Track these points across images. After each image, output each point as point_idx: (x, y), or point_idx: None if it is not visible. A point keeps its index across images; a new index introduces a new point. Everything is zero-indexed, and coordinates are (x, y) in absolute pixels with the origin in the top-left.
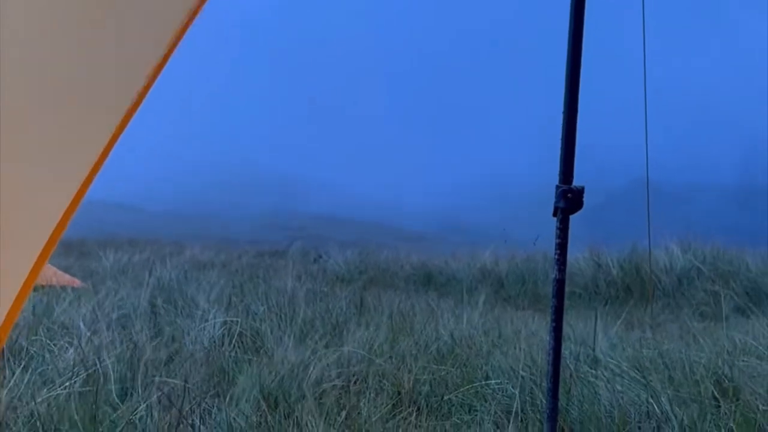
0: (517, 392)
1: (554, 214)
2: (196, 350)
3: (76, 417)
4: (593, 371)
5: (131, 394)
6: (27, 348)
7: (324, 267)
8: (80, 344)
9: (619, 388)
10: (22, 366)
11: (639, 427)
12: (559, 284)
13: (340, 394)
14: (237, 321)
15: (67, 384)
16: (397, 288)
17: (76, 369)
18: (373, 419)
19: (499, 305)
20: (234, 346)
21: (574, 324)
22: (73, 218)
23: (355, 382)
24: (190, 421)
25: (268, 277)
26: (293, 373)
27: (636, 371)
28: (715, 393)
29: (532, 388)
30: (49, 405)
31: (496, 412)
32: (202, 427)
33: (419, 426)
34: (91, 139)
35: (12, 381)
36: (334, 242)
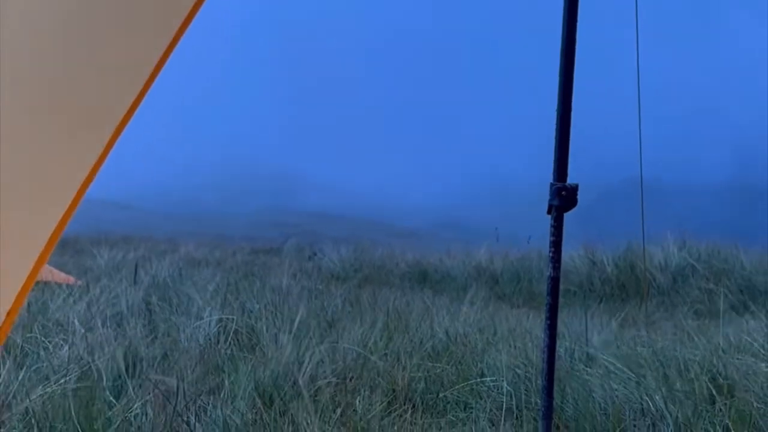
0: (512, 390)
1: (549, 212)
2: (191, 347)
3: (71, 414)
4: (588, 369)
5: (126, 392)
6: (22, 345)
7: (319, 264)
8: (75, 341)
9: (613, 385)
10: (17, 363)
11: (634, 425)
12: (554, 282)
13: (335, 391)
14: (232, 318)
15: (62, 381)
16: (392, 285)
17: (70, 366)
18: (369, 417)
19: (494, 303)
20: (229, 343)
21: (568, 321)
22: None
23: (350, 380)
24: (185, 419)
25: (262, 275)
26: (288, 370)
27: (630, 369)
28: (710, 390)
29: (526, 385)
30: (44, 402)
31: (491, 410)
32: (197, 424)
33: (414, 423)
34: (90, 140)
35: (7, 378)
36: (329, 239)
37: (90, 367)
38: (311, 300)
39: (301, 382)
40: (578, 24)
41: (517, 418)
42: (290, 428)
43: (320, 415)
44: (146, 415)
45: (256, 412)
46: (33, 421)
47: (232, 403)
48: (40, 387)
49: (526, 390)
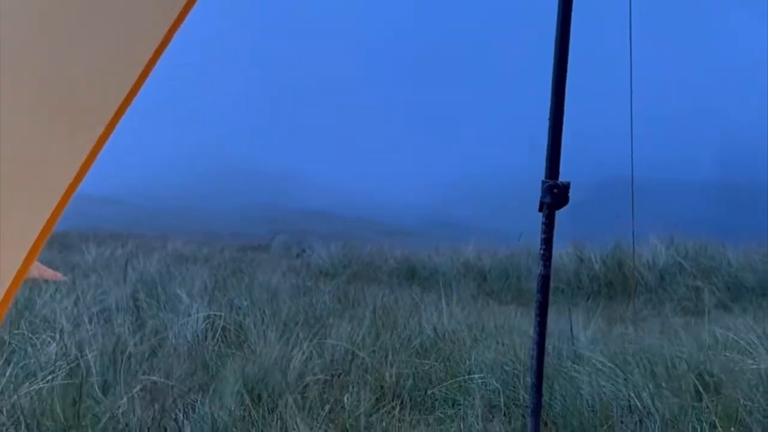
0: (500, 387)
1: (540, 210)
2: (179, 344)
3: (58, 410)
4: (576, 366)
5: (114, 388)
6: (9, 341)
7: (308, 261)
8: (62, 338)
9: (601, 382)
10: (4, 359)
11: (621, 422)
12: (544, 279)
13: (323, 388)
14: (220, 315)
15: (50, 378)
16: (380, 282)
17: (58, 363)
18: (357, 413)
19: (482, 300)
20: (217, 340)
21: (556, 319)
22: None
23: (338, 376)
24: (173, 416)
25: (251, 272)
26: (276, 367)
27: (618, 366)
28: (697, 387)
29: (514, 382)
30: (31, 398)
31: (479, 407)
32: (185, 421)
33: (402, 420)
34: (81, 137)
35: None
36: (318, 237)
37: (77, 363)
38: (299, 297)
39: (289, 378)
40: (578, 23)
41: (505, 414)
42: (278, 425)
43: (308, 412)
44: (134, 412)
45: (244, 409)
46: (20, 417)
47: (220, 400)
48: (28, 384)
49: (514, 387)
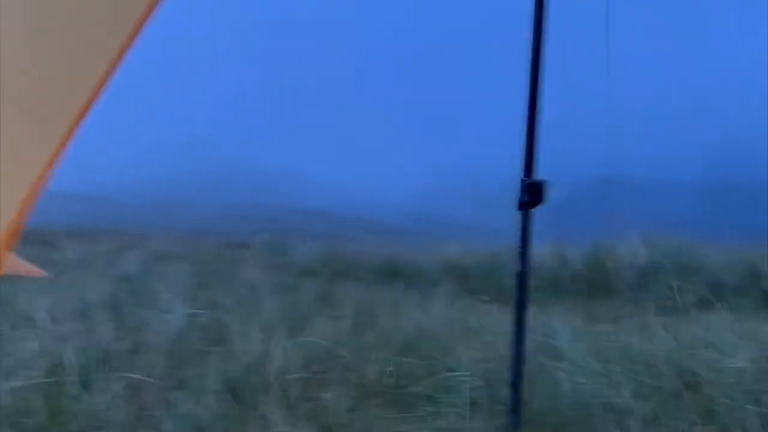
0: (481, 384)
1: (519, 208)
2: (160, 342)
3: (38, 408)
4: (556, 364)
5: (94, 386)
6: None
7: (290, 259)
8: (42, 335)
9: (581, 380)
10: None
11: (601, 420)
12: (523, 277)
13: (304, 385)
14: (201, 313)
15: (29, 375)
16: (363, 280)
17: (38, 360)
18: (338, 411)
19: (464, 298)
20: (198, 337)
21: (537, 317)
22: (37, 208)
23: (319, 374)
24: (153, 414)
25: (233, 269)
26: (257, 364)
27: (598, 364)
28: (677, 386)
29: (495, 380)
30: (11, 396)
31: (460, 404)
32: (165, 419)
33: (383, 418)
34: (48, 130)
35: None
36: (301, 234)
37: (58, 361)
38: (281, 295)
39: (270, 376)
40: (552, 22)
41: (485, 412)
42: (259, 423)
43: (289, 410)
44: (114, 409)
45: (224, 407)
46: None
47: (200, 397)
48: (7, 381)
49: (494, 384)
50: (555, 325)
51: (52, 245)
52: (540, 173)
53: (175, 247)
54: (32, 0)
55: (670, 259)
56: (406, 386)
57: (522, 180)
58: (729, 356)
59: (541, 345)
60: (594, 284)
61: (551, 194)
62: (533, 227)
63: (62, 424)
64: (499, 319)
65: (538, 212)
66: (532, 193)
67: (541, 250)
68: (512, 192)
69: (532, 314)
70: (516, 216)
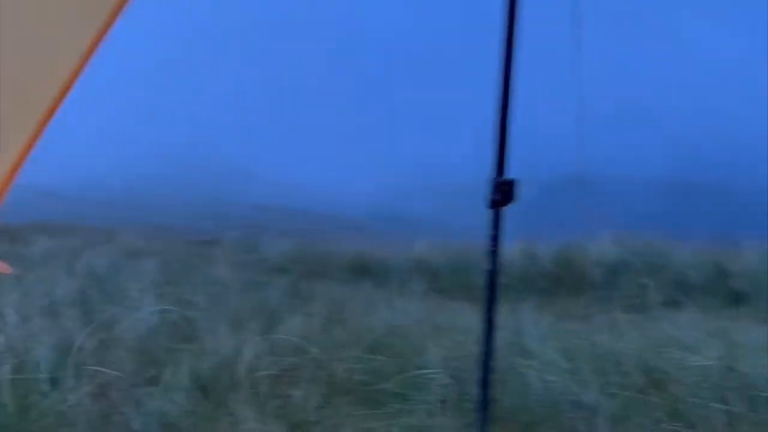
0: (450, 381)
1: (489, 206)
2: (128, 339)
3: (5, 405)
4: (525, 362)
5: (62, 383)
6: None
7: (260, 256)
8: (10, 332)
9: (550, 378)
10: None
11: (569, 417)
12: (493, 275)
13: (273, 383)
14: (170, 309)
15: None
16: (332, 278)
17: (5, 357)
18: (307, 408)
19: (434, 296)
20: (167, 334)
21: (506, 315)
22: (6, 203)
23: (288, 371)
24: (121, 410)
25: (203, 266)
26: (227, 361)
27: (566, 362)
28: (644, 383)
29: (464, 377)
30: None
31: (429, 401)
32: (133, 416)
33: (353, 415)
34: (17, 126)
35: None
36: (271, 231)
37: (26, 357)
38: (251, 292)
39: (239, 373)
40: (521, 23)
41: (454, 409)
42: (228, 419)
43: (258, 407)
44: (82, 406)
45: (193, 404)
46: None
47: (169, 394)
48: None
49: (463, 382)
50: (524, 323)
51: (21, 241)
52: (510, 171)
53: (145, 243)
54: None
55: (639, 257)
56: (376, 383)
57: (491, 178)
58: (696, 354)
59: (510, 343)
60: (563, 282)
61: (521, 192)
62: (504, 225)
63: (31, 421)
64: (469, 317)
65: (507, 210)
66: (502, 192)
67: (510, 249)
68: (480, 189)
69: (501, 312)
70: (485, 214)
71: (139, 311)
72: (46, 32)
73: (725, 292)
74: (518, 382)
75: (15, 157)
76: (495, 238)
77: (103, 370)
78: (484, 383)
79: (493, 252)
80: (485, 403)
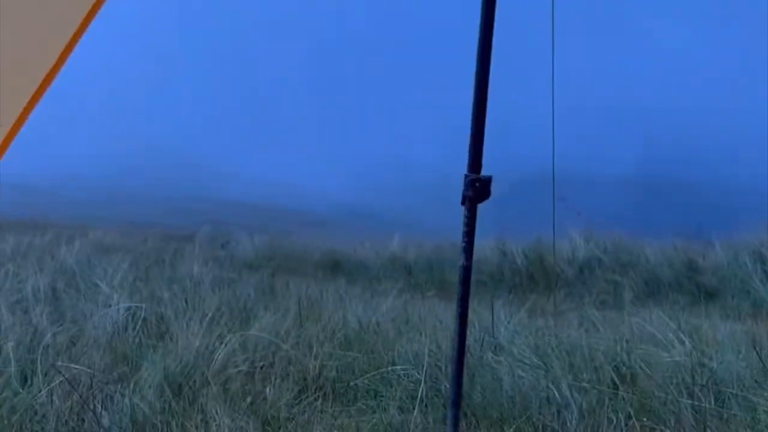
0: (422, 378)
1: (463, 203)
2: (99, 335)
3: None
4: (497, 358)
5: (32, 379)
6: None
7: (232, 253)
8: None
9: (521, 374)
10: None
11: (539, 413)
12: (466, 271)
13: (245, 379)
14: (141, 306)
15: None
16: (305, 275)
17: None
18: (279, 405)
19: (407, 292)
20: (138, 331)
21: (479, 311)
22: None
23: (261, 368)
24: (91, 407)
25: (174, 262)
26: (198, 358)
27: (538, 358)
28: (614, 379)
29: (436, 373)
30: None
31: (401, 398)
32: (104, 413)
33: (324, 411)
34: None
35: None
36: (242, 228)
37: None
38: (223, 288)
39: (210, 370)
40: (496, 22)
41: (426, 406)
42: (199, 417)
43: (230, 404)
44: (52, 403)
45: (164, 401)
46: None
47: (140, 391)
48: None
49: (435, 378)
50: (496, 319)
51: None
52: (484, 168)
53: (117, 239)
54: None
55: (610, 254)
56: (348, 380)
57: (465, 175)
58: (666, 350)
59: (482, 339)
60: (535, 279)
61: (494, 189)
62: (475, 222)
63: (0, 417)
64: (441, 313)
65: (480, 207)
66: (476, 189)
67: (484, 245)
68: (454, 186)
69: (474, 308)
70: (459, 211)
71: (110, 308)
72: (24, 28)
73: (695, 288)
74: (490, 378)
75: None
76: (469, 235)
77: (74, 366)
78: (456, 379)
79: (467, 248)
80: (456, 399)
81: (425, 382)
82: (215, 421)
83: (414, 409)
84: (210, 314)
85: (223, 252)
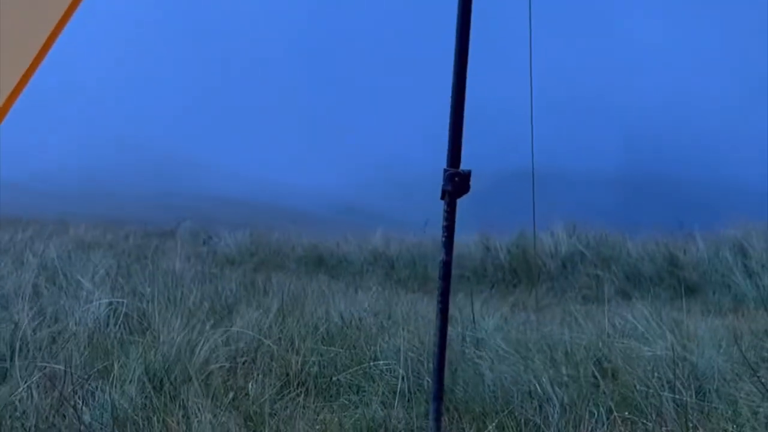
0: (404, 373)
1: (442, 197)
2: (80, 331)
3: None
4: (479, 352)
5: (11, 375)
6: None
7: (214, 248)
8: None
9: (503, 368)
10: None
11: (521, 407)
12: (446, 266)
13: (227, 375)
14: (123, 302)
15: None
16: (288, 270)
17: None
18: (261, 400)
19: (390, 287)
20: (119, 327)
21: (461, 306)
22: None
23: (243, 364)
24: (72, 403)
25: (155, 258)
26: (180, 354)
27: (519, 353)
28: (595, 374)
29: (419, 368)
30: None
31: (383, 393)
32: (84, 408)
33: (307, 407)
34: None
35: None
36: (225, 223)
37: None
38: (205, 284)
39: (192, 366)
40: (474, 17)
41: (408, 400)
42: (181, 412)
43: (212, 399)
44: (32, 399)
45: (145, 397)
46: None
47: (121, 387)
48: None
49: (418, 373)
50: (478, 314)
51: None
52: (463, 163)
53: (98, 235)
54: None
55: (592, 249)
56: (331, 375)
57: (444, 170)
58: (647, 344)
59: (464, 334)
60: (518, 274)
61: (475, 184)
62: (457, 217)
63: None
64: (424, 308)
65: (462, 202)
66: (455, 183)
67: (467, 240)
68: (435, 182)
69: (456, 303)
70: (440, 206)
71: (92, 304)
72: (4, 26)
73: (675, 283)
74: (472, 373)
75: None
76: (448, 230)
77: (54, 362)
78: (438, 374)
79: (447, 243)
80: (438, 394)
81: (407, 377)
82: (197, 416)
83: (396, 403)
84: (192, 310)
85: (204, 247)
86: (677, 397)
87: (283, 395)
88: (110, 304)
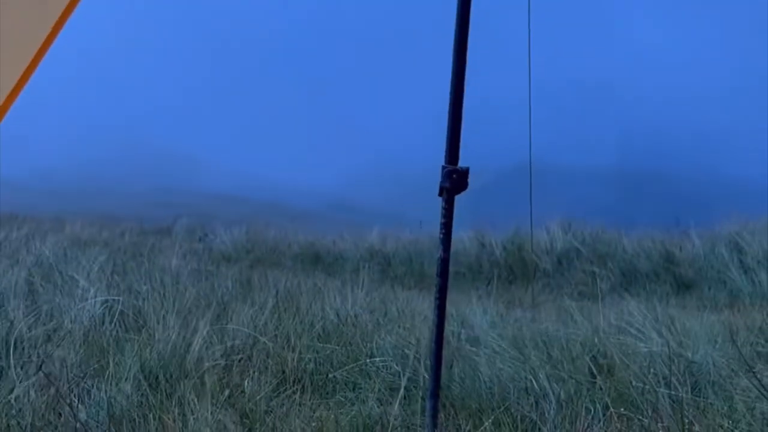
0: (400, 370)
1: (440, 194)
2: (76, 329)
3: None
4: (475, 349)
5: (7, 374)
6: None
7: (210, 246)
8: None
9: (499, 365)
10: None
11: (518, 403)
12: (444, 263)
13: (223, 372)
14: (118, 300)
15: None
16: (284, 267)
17: None
18: (257, 398)
19: (386, 284)
20: (115, 324)
21: (457, 303)
22: None
23: (239, 361)
24: (68, 401)
25: (151, 256)
26: (176, 351)
27: (516, 349)
28: (591, 370)
29: (415, 365)
30: None
31: (379, 390)
32: (80, 406)
33: (303, 404)
34: None
35: None
36: (221, 220)
37: None
38: (201, 281)
39: (188, 363)
40: (473, 14)
41: (405, 397)
42: (177, 410)
43: (208, 397)
44: (28, 397)
45: (141, 394)
46: None
47: (117, 385)
48: None
49: (414, 370)
50: (475, 311)
51: None
52: (461, 160)
53: (94, 232)
54: None
55: (588, 245)
56: (327, 372)
57: (443, 167)
58: (641, 341)
59: (461, 330)
60: (514, 270)
61: (472, 181)
62: (454, 214)
63: None
64: (420, 305)
65: (459, 199)
66: (453, 180)
67: (463, 237)
68: (432, 179)
69: (452, 300)
70: (437, 203)
71: (87, 301)
72: (4, 26)
73: (671, 279)
74: (468, 369)
75: None
76: (446, 226)
77: (50, 360)
78: (435, 371)
79: (444, 240)
80: (434, 390)
81: (404, 373)
82: (193, 414)
83: (393, 400)
84: (188, 307)
85: (200, 244)
86: (673, 393)
87: (279, 392)
88: (106, 301)
